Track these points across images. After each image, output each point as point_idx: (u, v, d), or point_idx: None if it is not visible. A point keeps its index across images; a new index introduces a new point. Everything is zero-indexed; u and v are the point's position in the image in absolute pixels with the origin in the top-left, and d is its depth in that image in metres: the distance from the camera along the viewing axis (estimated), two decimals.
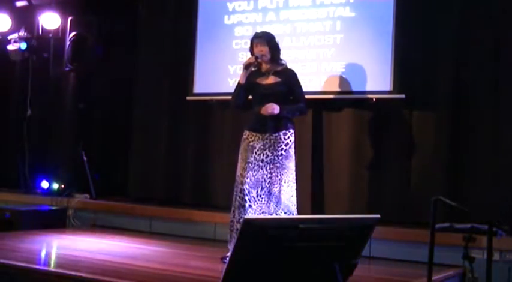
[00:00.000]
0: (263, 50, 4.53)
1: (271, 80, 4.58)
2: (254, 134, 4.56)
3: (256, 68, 4.61)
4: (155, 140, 6.69)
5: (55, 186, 6.92)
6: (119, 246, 5.22)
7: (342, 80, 5.53)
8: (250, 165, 4.50)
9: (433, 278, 3.59)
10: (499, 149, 5.01)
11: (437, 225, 3.53)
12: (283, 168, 4.48)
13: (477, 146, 5.09)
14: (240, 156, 4.60)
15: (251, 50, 4.62)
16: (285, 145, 4.51)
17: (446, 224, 4.59)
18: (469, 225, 4.12)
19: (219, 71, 6.08)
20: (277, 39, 4.66)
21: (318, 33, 5.68)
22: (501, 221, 4.62)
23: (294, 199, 4.53)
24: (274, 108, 4.44)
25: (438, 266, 4.03)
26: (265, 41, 4.55)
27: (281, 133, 4.51)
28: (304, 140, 5.73)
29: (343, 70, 5.53)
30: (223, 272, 2.59)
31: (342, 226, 2.70)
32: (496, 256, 4.38)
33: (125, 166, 6.91)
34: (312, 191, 5.67)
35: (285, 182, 4.48)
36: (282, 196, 4.45)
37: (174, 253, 5.01)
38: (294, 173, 4.56)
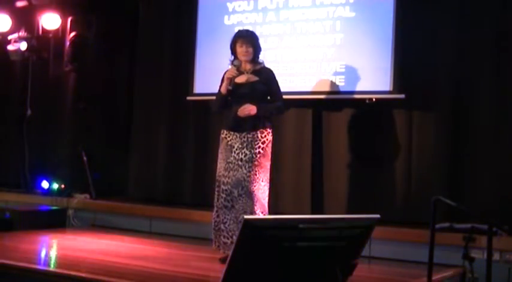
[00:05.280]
0: (249, 50, 4.52)
1: (249, 78, 4.57)
2: (232, 132, 4.56)
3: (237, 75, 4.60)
4: (155, 140, 6.69)
5: (55, 186, 6.92)
6: (119, 246, 5.22)
7: (342, 80, 5.52)
8: (230, 165, 4.50)
9: (433, 278, 3.59)
10: (499, 149, 5.01)
11: (437, 225, 3.53)
12: (261, 167, 4.48)
13: (477, 146, 5.10)
14: (220, 156, 4.60)
15: (233, 47, 4.59)
16: (262, 143, 4.50)
17: (446, 224, 4.60)
18: (469, 225, 4.13)
19: (219, 71, 6.03)
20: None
21: (318, 33, 5.68)
22: (501, 221, 4.64)
23: (267, 198, 4.53)
24: (250, 109, 4.45)
25: (438, 266, 4.03)
26: (251, 42, 4.54)
27: (258, 132, 4.50)
28: (304, 140, 5.74)
29: (343, 70, 5.53)
30: (224, 272, 2.59)
31: (342, 226, 2.70)
32: (496, 256, 4.38)
33: (125, 166, 6.91)
34: (311, 191, 5.67)
35: (262, 181, 4.48)
36: (260, 195, 4.45)
37: (174, 253, 5.01)
38: (269, 172, 4.56)
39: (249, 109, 4.45)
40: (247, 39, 4.54)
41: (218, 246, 4.54)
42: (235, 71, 4.55)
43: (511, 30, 5.02)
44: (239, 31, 4.69)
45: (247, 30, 4.70)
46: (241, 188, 4.45)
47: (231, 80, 4.53)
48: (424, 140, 5.30)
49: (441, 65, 5.26)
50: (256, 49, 4.57)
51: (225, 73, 4.63)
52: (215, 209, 4.56)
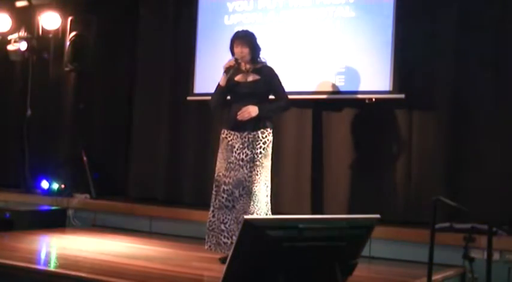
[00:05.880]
0: (244, 51, 4.51)
1: (250, 78, 4.56)
2: (232, 132, 4.54)
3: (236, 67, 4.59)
4: (155, 140, 6.69)
5: (55, 186, 6.92)
6: (119, 246, 5.22)
7: (342, 80, 5.52)
8: (231, 165, 4.49)
9: (433, 278, 3.59)
10: (498, 148, 5.01)
11: (437, 225, 3.53)
12: (263, 167, 4.46)
13: (477, 146, 5.09)
14: (220, 156, 4.58)
15: (231, 48, 4.59)
16: (263, 143, 4.48)
17: (446, 224, 4.60)
18: (469, 225, 4.13)
19: (219, 71, 6.05)
20: (258, 38, 4.60)
21: (318, 33, 5.68)
22: (501, 221, 4.64)
23: (268, 199, 4.52)
24: (250, 112, 4.43)
25: (438, 266, 4.03)
26: (246, 42, 4.52)
27: (259, 132, 4.49)
28: (304, 140, 5.74)
29: (343, 70, 5.53)
30: (224, 272, 2.59)
31: (342, 226, 2.70)
32: (496, 256, 4.38)
33: (125, 166, 6.91)
34: (311, 191, 5.67)
35: (263, 182, 4.47)
36: (260, 196, 4.44)
37: (174, 253, 5.01)
38: (269, 173, 4.55)
39: (248, 112, 4.43)
40: (242, 40, 4.53)
41: (210, 246, 4.52)
42: (234, 62, 4.52)
43: (511, 31, 5.02)
44: (236, 32, 4.67)
45: (244, 31, 4.66)
46: (242, 188, 4.44)
47: (229, 69, 4.51)
48: (424, 140, 5.30)
49: (441, 65, 5.26)
50: (254, 49, 4.55)
51: (225, 68, 4.59)
52: (211, 209, 4.54)
